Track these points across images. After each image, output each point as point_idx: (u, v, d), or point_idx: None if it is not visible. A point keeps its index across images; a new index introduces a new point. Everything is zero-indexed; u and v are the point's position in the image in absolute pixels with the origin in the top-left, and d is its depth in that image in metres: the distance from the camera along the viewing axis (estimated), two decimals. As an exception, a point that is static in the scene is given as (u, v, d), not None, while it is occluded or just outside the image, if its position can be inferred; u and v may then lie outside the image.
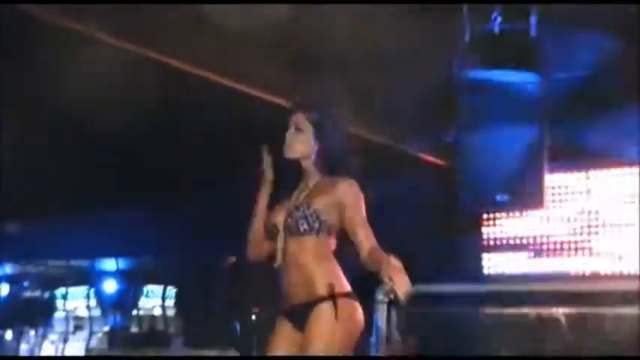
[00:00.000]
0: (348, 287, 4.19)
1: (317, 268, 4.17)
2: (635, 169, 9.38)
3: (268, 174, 4.31)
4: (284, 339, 4.24)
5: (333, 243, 4.23)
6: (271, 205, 4.34)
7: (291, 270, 4.18)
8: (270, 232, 4.28)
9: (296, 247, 4.17)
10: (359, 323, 4.20)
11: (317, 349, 4.04)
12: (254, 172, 4.36)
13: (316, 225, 4.14)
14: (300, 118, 4.24)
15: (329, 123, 4.25)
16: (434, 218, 10.02)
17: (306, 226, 4.14)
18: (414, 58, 7.50)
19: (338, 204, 4.18)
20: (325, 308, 4.09)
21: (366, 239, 4.12)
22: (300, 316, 4.15)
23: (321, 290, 4.11)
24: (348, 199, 4.19)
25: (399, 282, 3.74)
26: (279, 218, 4.23)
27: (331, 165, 4.24)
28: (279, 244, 4.21)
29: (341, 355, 4.09)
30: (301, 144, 4.23)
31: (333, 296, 4.10)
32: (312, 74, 7.35)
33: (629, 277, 9.13)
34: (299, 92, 4.47)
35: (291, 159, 4.26)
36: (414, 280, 4.95)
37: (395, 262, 3.80)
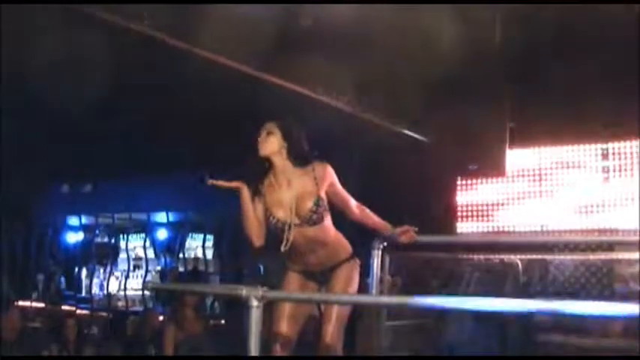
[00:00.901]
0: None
1: (337, 243, 4.39)
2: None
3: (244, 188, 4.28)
4: (299, 287, 4.39)
5: None
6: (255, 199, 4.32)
7: (314, 248, 4.30)
8: (275, 226, 4.27)
9: (314, 232, 4.25)
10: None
11: (345, 291, 4.33)
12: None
13: (326, 212, 4.26)
14: (269, 125, 4.30)
15: (292, 126, 4.34)
16: (415, 183, 10.01)
17: (325, 213, 4.26)
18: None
19: (324, 186, 4.30)
20: (347, 265, 4.38)
21: (354, 206, 4.43)
22: (322, 276, 4.38)
23: (343, 255, 4.40)
24: (329, 178, 4.32)
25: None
26: (281, 214, 4.25)
27: (298, 156, 4.31)
28: (296, 234, 4.23)
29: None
30: (272, 144, 4.27)
31: (352, 257, 4.42)
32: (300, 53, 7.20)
33: (571, 232, 9.18)
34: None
35: (264, 156, 4.29)
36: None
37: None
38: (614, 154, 9.26)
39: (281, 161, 4.28)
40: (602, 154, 9.31)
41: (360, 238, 4.69)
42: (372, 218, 4.49)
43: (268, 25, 6.72)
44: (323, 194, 4.26)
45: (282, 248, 4.24)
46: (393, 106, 9.05)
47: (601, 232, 8.86)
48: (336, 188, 4.34)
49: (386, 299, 4.12)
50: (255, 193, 4.31)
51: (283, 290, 4.41)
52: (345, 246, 4.41)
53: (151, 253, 16.90)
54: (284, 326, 4.30)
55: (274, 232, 4.29)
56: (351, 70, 7.68)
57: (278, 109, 4.53)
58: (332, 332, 4.23)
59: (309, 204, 4.22)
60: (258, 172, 4.33)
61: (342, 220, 4.43)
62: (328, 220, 4.31)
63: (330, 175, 4.32)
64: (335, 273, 4.34)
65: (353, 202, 4.42)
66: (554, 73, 8.45)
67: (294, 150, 4.29)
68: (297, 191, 4.25)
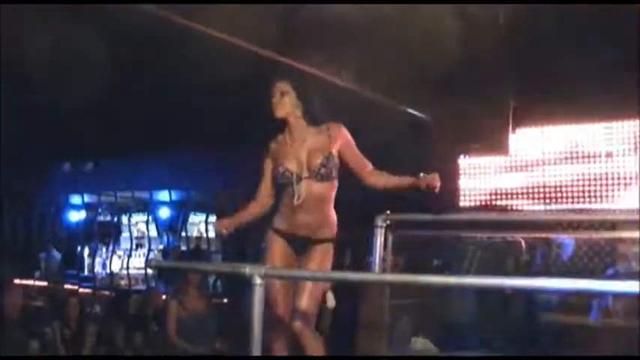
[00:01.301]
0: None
1: (329, 211, 4.38)
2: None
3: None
4: (283, 256, 4.39)
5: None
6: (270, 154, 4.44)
7: (312, 208, 4.30)
8: (283, 177, 4.32)
9: (320, 189, 4.28)
10: None
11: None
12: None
13: (335, 171, 4.28)
14: (282, 85, 4.33)
15: (305, 85, 4.37)
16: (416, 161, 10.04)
17: (334, 173, 4.28)
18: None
19: (337, 145, 4.31)
20: (325, 247, 4.37)
21: (370, 167, 4.39)
22: (302, 245, 4.37)
23: (327, 234, 4.37)
24: (343, 137, 4.34)
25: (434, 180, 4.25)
26: (292, 165, 4.29)
27: (312, 116, 4.34)
28: (304, 187, 4.27)
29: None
30: (287, 105, 4.31)
31: (331, 240, 4.39)
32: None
33: (571, 210, 9.20)
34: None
35: (281, 117, 4.34)
36: (405, 210, 5.06)
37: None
38: (617, 133, 9.26)
39: (295, 120, 4.34)
40: (605, 134, 9.32)
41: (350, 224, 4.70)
42: (392, 178, 4.42)
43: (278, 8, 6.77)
44: (335, 152, 4.29)
45: (295, 202, 4.26)
46: (398, 88, 9.08)
47: (604, 210, 8.88)
48: (352, 149, 4.36)
49: (390, 277, 4.13)
50: (266, 152, 4.42)
51: (267, 249, 4.44)
52: (333, 226, 4.41)
53: (153, 232, 16.94)
54: (279, 299, 4.33)
55: (282, 186, 4.34)
56: (356, 51, 7.71)
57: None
58: (305, 307, 4.24)
59: (320, 158, 4.26)
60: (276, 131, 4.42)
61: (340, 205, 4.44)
62: (334, 187, 4.34)
63: (344, 134, 4.35)
64: (312, 249, 4.34)
65: (369, 165, 4.41)
66: (557, 54, 8.46)
67: (308, 109, 4.33)
68: (309, 147, 4.30)
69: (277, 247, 4.40)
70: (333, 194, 4.36)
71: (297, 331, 4.22)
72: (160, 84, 8.98)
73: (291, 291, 4.33)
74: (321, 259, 4.32)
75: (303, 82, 4.41)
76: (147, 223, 16.93)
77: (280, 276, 4.14)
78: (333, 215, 4.40)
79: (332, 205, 4.38)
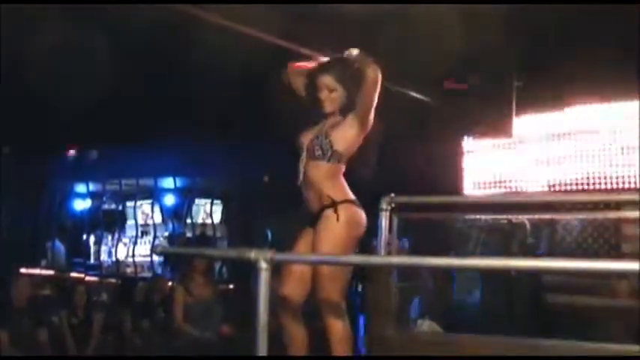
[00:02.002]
0: (350, 196, 4.30)
1: (325, 185, 4.27)
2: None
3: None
4: (305, 240, 4.37)
5: (342, 169, 4.33)
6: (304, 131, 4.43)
7: (309, 186, 4.31)
8: (297, 150, 4.38)
9: (312, 168, 4.29)
10: (359, 223, 4.30)
11: (323, 245, 4.18)
12: None
13: (328, 153, 4.25)
14: (328, 80, 4.30)
15: (349, 77, 4.32)
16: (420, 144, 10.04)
17: (319, 152, 4.25)
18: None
19: (341, 125, 4.30)
20: (328, 213, 4.23)
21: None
22: (314, 221, 4.31)
23: (326, 200, 4.26)
24: (349, 123, 4.30)
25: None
26: (305, 141, 4.34)
27: (351, 105, 4.32)
28: (302, 164, 4.32)
29: (345, 249, 4.20)
30: (335, 101, 4.32)
31: (334, 203, 4.23)
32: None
33: (574, 191, 9.22)
34: (321, 58, 4.56)
35: (330, 113, 4.34)
36: (410, 192, 5.08)
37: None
38: (619, 113, 9.26)
39: (335, 110, 4.36)
40: (609, 114, 9.32)
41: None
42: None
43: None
44: (335, 137, 4.25)
45: (298, 182, 4.31)
46: (400, 71, 9.09)
47: (608, 190, 8.90)
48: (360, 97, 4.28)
49: (395, 259, 4.15)
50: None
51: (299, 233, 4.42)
52: (333, 194, 4.26)
53: (158, 219, 16.96)
54: (289, 288, 4.31)
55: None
56: (359, 35, 7.71)
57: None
58: (325, 288, 4.19)
59: (316, 139, 4.28)
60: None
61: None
62: (327, 168, 4.27)
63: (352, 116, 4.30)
64: (318, 220, 4.27)
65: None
66: (562, 35, 8.47)
67: (349, 100, 4.31)
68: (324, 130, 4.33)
69: (303, 232, 4.40)
70: (328, 174, 4.28)
71: (324, 319, 4.20)
72: (166, 72, 9.00)
73: (308, 274, 4.30)
74: (322, 230, 4.22)
75: (344, 73, 4.35)
76: (152, 210, 16.96)
77: (287, 260, 4.14)
78: (332, 185, 4.27)
79: (330, 180, 4.28)
